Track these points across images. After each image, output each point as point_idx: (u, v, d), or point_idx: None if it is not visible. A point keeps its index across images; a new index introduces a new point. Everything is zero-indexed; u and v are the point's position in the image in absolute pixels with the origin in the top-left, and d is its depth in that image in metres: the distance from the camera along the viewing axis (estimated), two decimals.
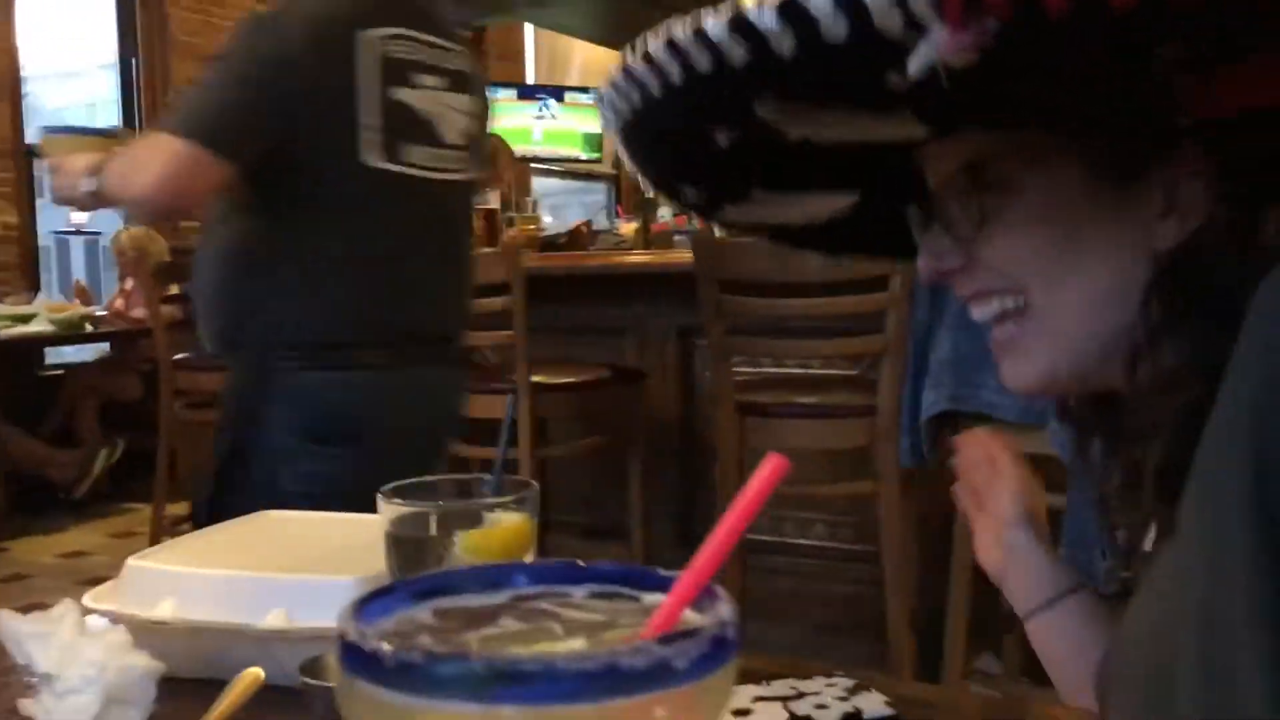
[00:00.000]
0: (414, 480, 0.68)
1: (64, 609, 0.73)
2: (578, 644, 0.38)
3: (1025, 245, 0.66)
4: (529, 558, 0.66)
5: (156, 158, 1.57)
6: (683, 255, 3.29)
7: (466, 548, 0.63)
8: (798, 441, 2.34)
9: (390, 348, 1.79)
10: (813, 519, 2.92)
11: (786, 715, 0.75)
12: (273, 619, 0.76)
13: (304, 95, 1.65)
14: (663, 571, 0.43)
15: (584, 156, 8.42)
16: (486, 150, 2.22)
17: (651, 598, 0.42)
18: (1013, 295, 0.67)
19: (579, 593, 0.43)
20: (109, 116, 5.98)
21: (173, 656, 0.74)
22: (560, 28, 7.42)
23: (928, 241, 0.70)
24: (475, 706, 0.33)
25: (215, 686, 0.76)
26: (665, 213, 4.82)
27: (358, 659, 0.35)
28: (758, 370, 2.77)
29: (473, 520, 0.66)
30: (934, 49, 0.48)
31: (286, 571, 0.80)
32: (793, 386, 2.53)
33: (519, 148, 6.28)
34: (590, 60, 8.78)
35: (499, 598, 0.43)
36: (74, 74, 6.11)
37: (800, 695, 0.78)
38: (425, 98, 1.79)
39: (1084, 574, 2.12)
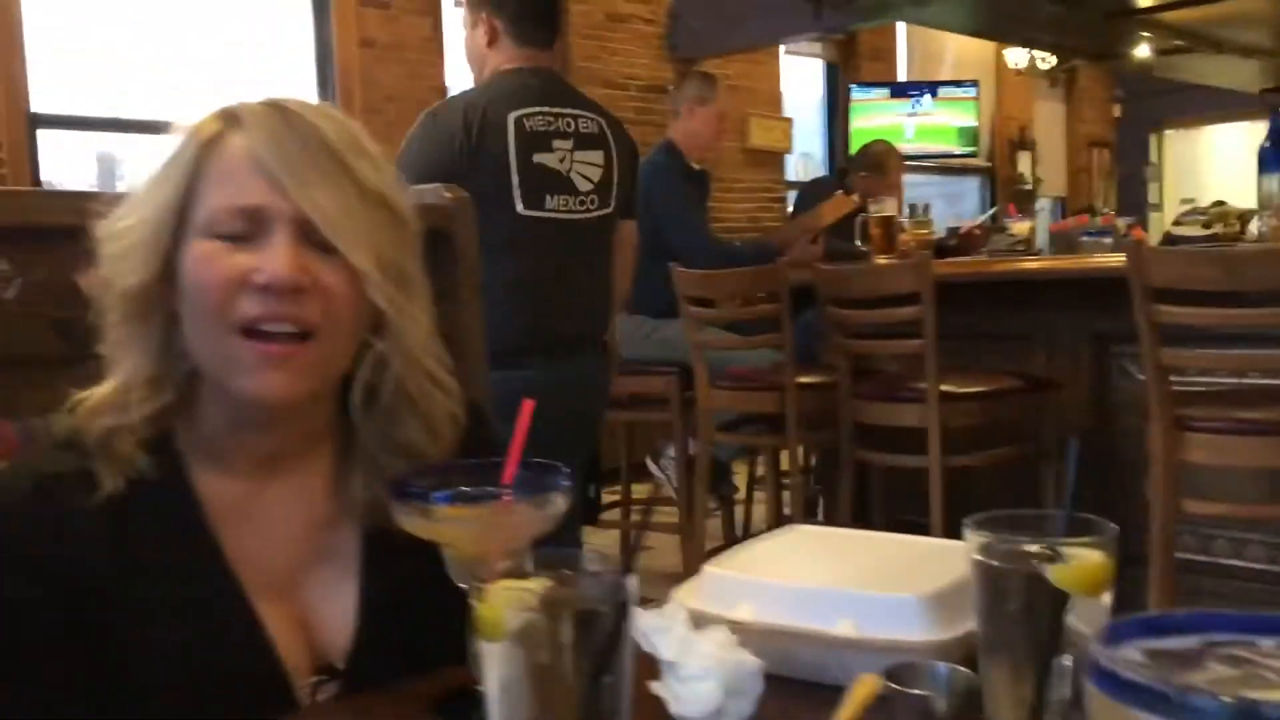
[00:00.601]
0: (994, 513, 0.75)
1: (675, 607, 0.87)
2: None
3: None
4: (1109, 596, 0.72)
5: None
6: (1099, 261, 3.18)
7: (1059, 580, 0.70)
8: (1242, 459, 2.21)
9: (545, 349, 2.44)
10: (1249, 539, 2.73)
11: None
12: (843, 628, 0.86)
13: (469, 165, 2.33)
14: None
15: (958, 151, 8.23)
16: (625, 188, 2.76)
17: None
18: None
19: (1269, 643, 0.49)
20: None
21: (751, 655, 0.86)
22: (935, 24, 7.29)
23: None
24: None
25: (797, 685, 0.87)
26: (1043, 204, 4.65)
27: (1123, 686, 0.43)
28: (1187, 381, 2.62)
29: (1053, 555, 0.72)
30: None
31: (843, 585, 0.90)
32: (1229, 400, 2.39)
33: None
34: (963, 52, 8.56)
35: (1192, 642, 0.49)
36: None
37: None
38: (558, 158, 2.49)
39: None
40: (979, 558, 0.74)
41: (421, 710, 0.86)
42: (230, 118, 0.91)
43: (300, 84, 5.36)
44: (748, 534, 3.92)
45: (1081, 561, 0.72)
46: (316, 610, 0.95)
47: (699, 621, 0.89)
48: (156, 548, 0.89)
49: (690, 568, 3.15)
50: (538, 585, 0.65)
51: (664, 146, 3.88)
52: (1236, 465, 2.34)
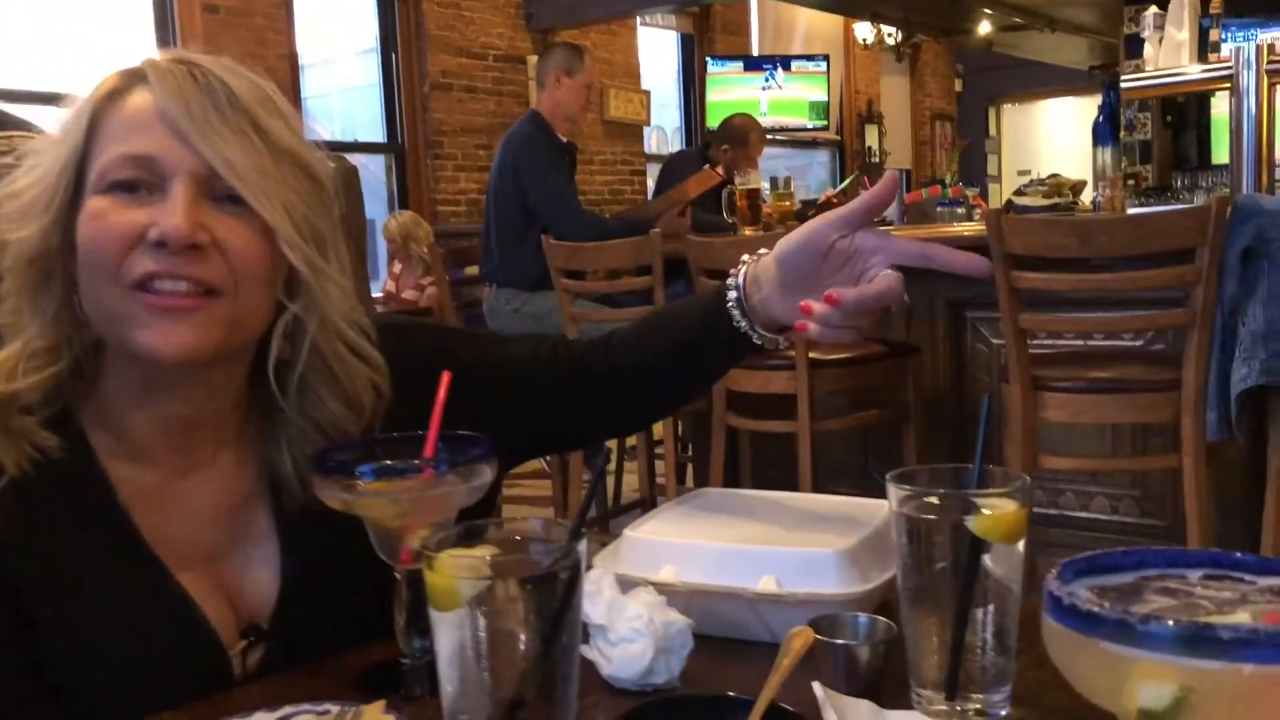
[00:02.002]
0: (912, 468, 0.79)
1: (600, 572, 0.88)
2: (1244, 617, 0.48)
3: None
4: (1023, 543, 0.76)
5: None
6: (956, 229, 3.31)
7: (979, 529, 0.74)
8: (1096, 416, 2.35)
9: None
10: (1093, 492, 2.91)
11: None
12: (765, 584, 0.88)
13: None
14: (1275, 558, 0.52)
15: (809, 124, 8.42)
16: None
17: (1268, 580, 0.51)
18: None
19: (1194, 575, 0.53)
20: (370, 103, 6.41)
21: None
22: None
23: None
24: (1212, 664, 0.43)
25: (722, 642, 0.89)
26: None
27: (1086, 619, 0.46)
28: (1040, 343, 2.77)
29: (968, 506, 0.76)
30: None
31: (760, 544, 0.93)
32: (1081, 360, 2.53)
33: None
34: (814, 27, 8.74)
35: (1129, 577, 0.53)
36: (331, 60, 6.53)
37: None
38: None
39: None
40: (902, 510, 0.77)
41: (349, 684, 0.85)
42: (134, 74, 0.86)
43: (138, 50, 5.11)
44: (618, 504, 3.96)
45: (998, 511, 0.75)
46: (241, 579, 0.92)
47: (624, 585, 0.90)
48: (70, 532, 0.85)
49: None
50: (486, 553, 0.65)
51: (530, 117, 3.86)
52: (1087, 422, 2.49)
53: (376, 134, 6.40)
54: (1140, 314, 2.33)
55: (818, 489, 2.82)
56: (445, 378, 0.86)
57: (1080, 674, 0.47)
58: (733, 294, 0.99)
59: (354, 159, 6.11)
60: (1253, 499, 2.29)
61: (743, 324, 0.98)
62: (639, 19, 7.24)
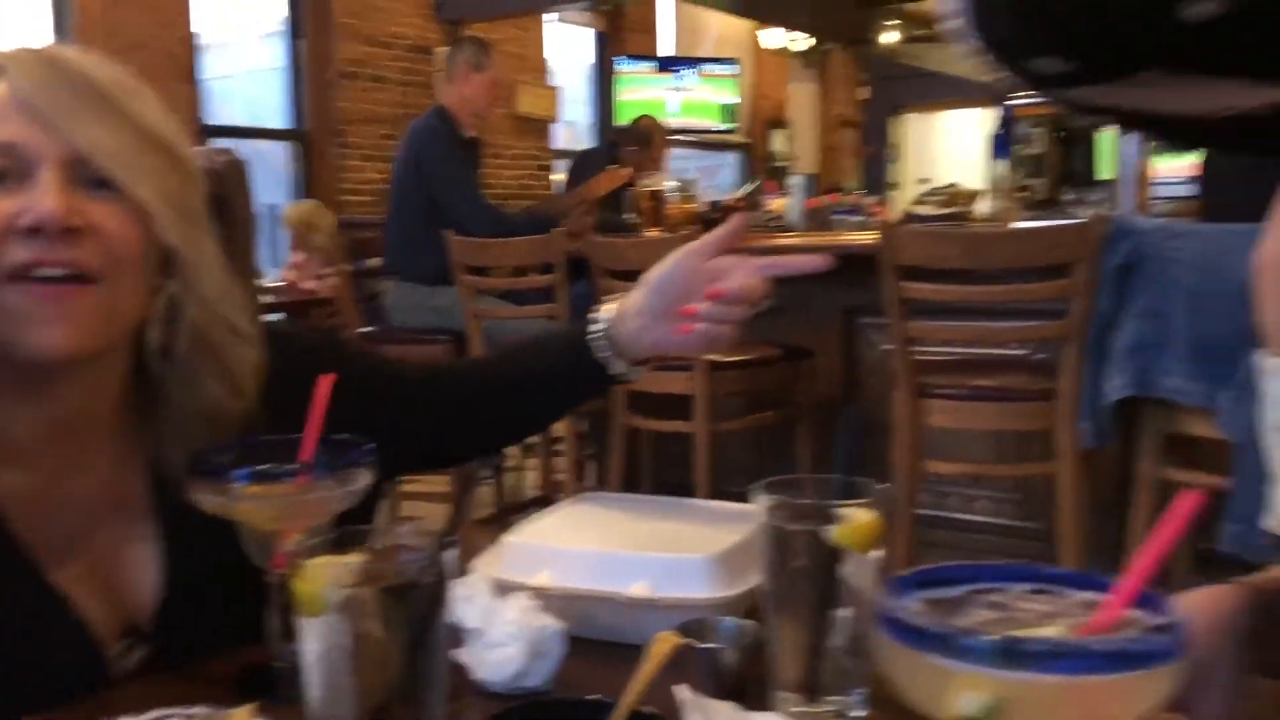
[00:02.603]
0: (780, 478, 0.82)
1: (477, 576, 0.90)
2: (1054, 630, 0.51)
3: None
4: (879, 552, 0.80)
5: None
6: (850, 237, 3.39)
7: (838, 538, 0.77)
8: (976, 423, 2.44)
9: None
10: (976, 495, 3.01)
11: None
12: (638, 589, 0.91)
13: None
14: (1090, 574, 0.56)
15: (718, 127, 8.50)
16: None
17: (1082, 595, 0.55)
18: None
19: (1018, 588, 0.57)
20: (273, 87, 6.28)
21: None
22: (699, 1, 7.48)
23: None
24: (1019, 675, 0.46)
25: (596, 645, 0.91)
26: (796, 181, 4.92)
27: (910, 632, 0.49)
28: (927, 351, 2.85)
29: (831, 515, 0.79)
30: None
31: (637, 549, 0.95)
32: (966, 369, 2.62)
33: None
34: (726, 31, 8.83)
35: (958, 591, 0.56)
36: (233, 42, 6.39)
37: None
38: None
39: (1247, 544, 2.16)
40: (767, 520, 0.80)
41: (222, 687, 0.85)
42: None
43: (34, 31, 4.93)
44: (518, 501, 3.96)
45: (855, 521, 0.79)
46: (122, 579, 0.92)
47: (501, 590, 0.92)
48: None
49: (462, 536, 3.16)
50: (355, 560, 0.66)
51: (435, 112, 3.83)
52: (971, 428, 2.58)
53: (281, 120, 6.28)
54: (1022, 325, 2.42)
55: (715, 488, 2.87)
56: (325, 382, 0.87)
57: (905, 683, 0.50)
58: (598, 327, 1.04)
59: (257, 145, 6.00)
60: (1123, 502, 2.39)
61: (606, 355, 1.05)
62: (551, 14, 7.23)
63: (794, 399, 3.04)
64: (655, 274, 1.05)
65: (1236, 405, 2.09)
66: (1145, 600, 0.52)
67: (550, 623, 0.85)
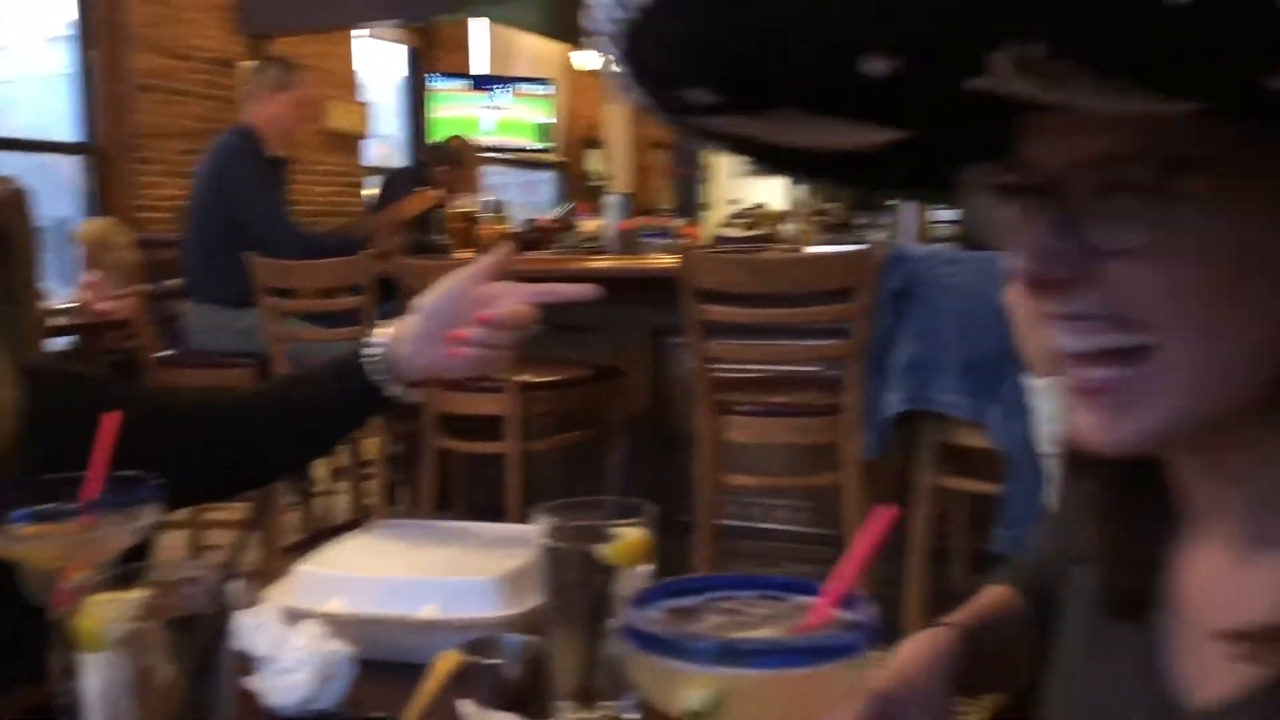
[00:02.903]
0: (560, 501, 0.88)
1: (268, 605, 0.92)
2: (772, 631, 0.59)
3: (1181, 277, 0.52)
4: (649, 567, 0.87)
5: None
6: (657, 260, 3.50)
7: (606, 556, 0.84)
8: (772, 438, 2.57)
9: None
10: (776, 505, 3.16)
11: None
12: (428, 611, 0.95)
13: None
14: (807, 581, 0.64)
15: (533, 146, 8.57)
16: None
17: (800, 599, 0.63)
18: (1129, 331, 0.54)
19: (748, 595, 0.64)
20: (62, 97, 5.97)
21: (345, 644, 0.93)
22: (511, 22, 7.54)
23: (1043, 236, 0.54)
24: (734, 671, 0.53)
25: (387, 667, 0.95)
26: (611, 201, 5.03)
27: (644, 639, 0.55)
28: (728, 369, 2.98)
29: (605, 534, 0.86)
30: None
31: (428, 573, 1.00)
32: (761, 386, 2.75)
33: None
34: (540, 50, 8.91)
35: (698, 600, 0.64)
36: (13, 45, 6.04)
37: None
38: None
39: (1017, 547, 2.35)
40: (544, 541, 0.86)
41: None
42: None
43: None
44: (328, 527, 3.90)
45: (626, 539, 0.86)
46: None
47: (292, 617, 0.94)
48: None
49: (267, 564, 3.10)
50: (136, 595, 0.69)
51: (238, 130, 3.75)
52: (767, 442, 2.72)
53: (71, 132, 5.97)
54: (810, 344, 2.58)
55: (528, 509, 2.91)
56: (110, 420, 0.88)
57: (644, 685, 0.57)
58: (374, 351, 1.08)
59: (43, 159, 5.69)
60: (904, 508, 2.57)
61: (381, 379, 1.09)
62: (361, 30, 7.14)
63: (604, 418, 3.12)
64: (428, 300, 1.11)
65: (1004, 419, 2.29)
66: (849, 602, 0.60)
67: (339, 647, 0.89)
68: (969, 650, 0.82)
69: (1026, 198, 0.56)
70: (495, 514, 2.77)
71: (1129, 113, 0.45)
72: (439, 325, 1.09)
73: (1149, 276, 0.52)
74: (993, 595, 0.89)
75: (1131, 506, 0.66)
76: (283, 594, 0.99)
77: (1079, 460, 0.68)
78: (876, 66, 0.44)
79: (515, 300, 1.09)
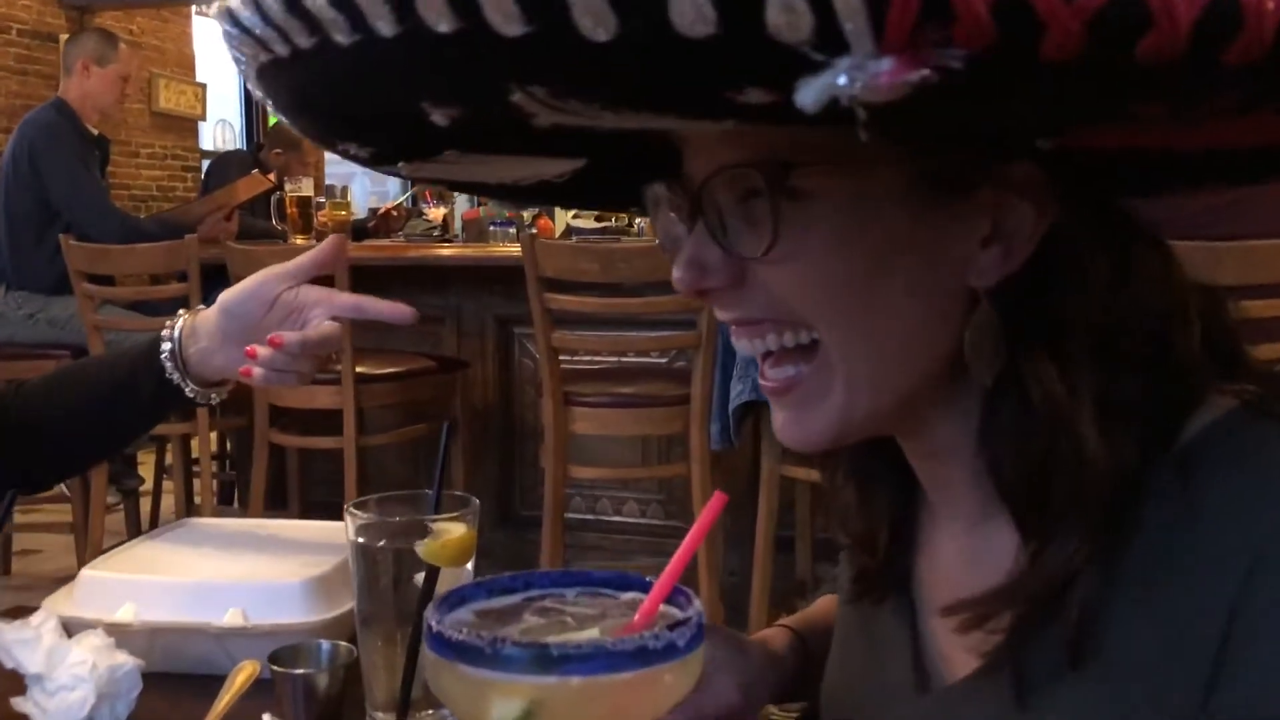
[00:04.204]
0: (372, 496, 0.81)
1: (43, 615, 0.82)
2: (594, 632, 0.54)
3: (822, 272, 0.54)
4: (471, 564, 0.80)
5: None
6: (504, 249, 3.42)
7: (426, 554, 0.77)
8: (619, 429, 2.53)
9: None
10: (626, 497, 3.13)
11: None
12: (231, 618, 0.87)
13: None
14: (635, 575, 0.59)
15: None
16: None
17: (628, 595, 0.58)
18: (794, 329, 0.57)
19: (571, 593, 0.59)
20: None
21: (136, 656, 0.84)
22: None
23: (693, 247, 0.57)
24: (548, 679, 0.48)
25: (185, 680, 0.87)
26: (460, 195, 4.94)
27: (449, 645, 0.49)
28: (576, 360, 2.93)
29: (424, 531, 0.79)
30: (856, 79, 0.37)
31: (234, 576, 0.91)
32: (608, 377, 2.71)
33: None
34: None
35: (515, 599, 0.58)
36: None
37: None
38: None
39: None
40: (356, 538, 0.79)
41: None
42: None
43: None
44: (155, 527, 3.69)
45: (447, 535, 0.79)
46: None
47: (75, 628, 0.85)
48: None
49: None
50: None
51: (54, 105, 3.50)
52: (612, 434, 2.68)
53: None
54: (658, 335, 2.54)
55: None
56: None
57: (450, 695, 0.51)
58: (167, 345, 0.98)
59: None
60: (753, 497, 2.57)
61: (174, 376, 0.98)
62: (196, 7, 6.80)
63: (449, 410, 3.03)
64: (232, 295, 0.99)
65: None
66: (676, 597, 0.55)
67: (124, 660, 0.80)
68: (802, 650, 0.81)
69: (683, 210, 0.58)
70: (334, 512, 2.64)
71: (734, 129, 0.46)
72: (240, 326, 0.97)
73: (790, 276, 0.55)
74: (825, 602, 0.87)
75: (869, 493, 0.68)
76: (63, 602, 0.89)
77: (825, 454, 0.69)
78: (438, 117, 0.48)
79: (325, 312, 0.98)
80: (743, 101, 0.41)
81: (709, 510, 0.57)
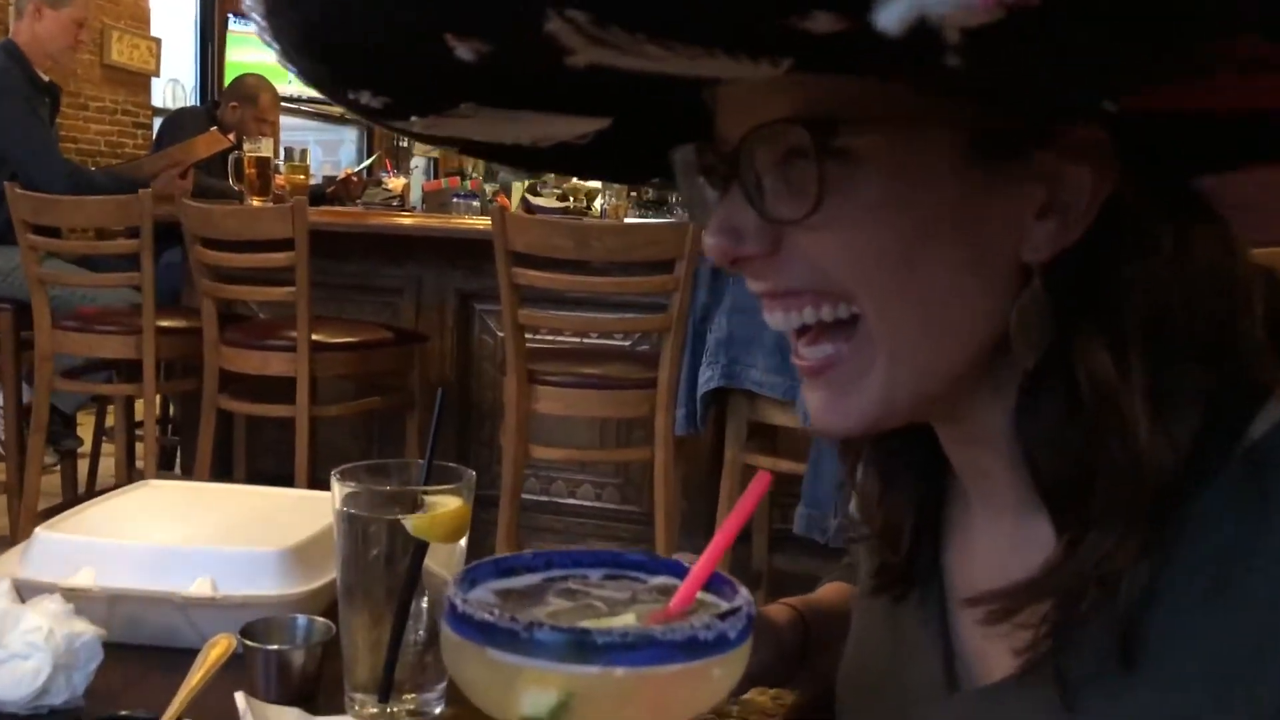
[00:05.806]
0: (361, 464, 0.76)
1: None
2: (630, 618, 0.49)
3: (867, 239, 0.50)
4: (464, 540, 0.76)
5: None
6: (467, 222, 3.34)
7: (416, 529, 0.72)
8: (584, 410, 2.48)
9: None
10: (580, 480, 3.08)
11: None
12: (199, 587, 0.81)
13: None
14: (665, 558, 0.55)
15: None
16: None
17: (658, 579, 0.54)
18: (833, 302, 0.53)
19: (595, 575, 0.54)
20: None
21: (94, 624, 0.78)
22: None
23: (727, 212, 0.53)
24: (589, 669, 0.43)
25: (149, 652, 0.81)
26: (418, 163, 4.85)
27: (476, 627, 0.45)
28: (539, 339, 2.87)
29: (415, 502, 0.74)
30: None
31: (202, 542, 0.85)
32: (574, 357, 2.66)
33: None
34: None
35: (535, 579, 0.53)
36: None
37: None
38: None
39: (817, 528, 2.35)
40: (343, 507, 0.74)
41: None
42: None
43: None
44: (92, 491, 3.57)
45: (440, 508, 0.74)
46: None
47: (28, 592, 0.79)
48: None
49: (21, 532, 2.79)
50: None
51: (4, 46, 3.36)
52: (576, 415, 2.63)
53: None
54: (626, 317, 2.50)
55: (316, 477, 2.72)
56: None
57: (471, 681, 0.47)
58: None
59: None
60: (715, 484, 2.53)
61: None
62: None
63: (406, 383, 2.96)
64: None
65: None
66: (716, 583, 0.51)
67: (84, 629, 0.74)
68: (805, 636, 0.77)
69: (716, 173, 0.55)
70: (281, 482, 2.55)
71: (780, 79, 0.43)
72: None
73: (832, 243, 0.51)
74: (831, 589, 0.84)
75: (893, 483, 0.64)
76: (17, 564, 0.83)
77: (846, 442, 0.67)
78: (463, 51, 0.43)
79: None
80: (807, 29, 0.37)
81: (753, 491, 0.53)
